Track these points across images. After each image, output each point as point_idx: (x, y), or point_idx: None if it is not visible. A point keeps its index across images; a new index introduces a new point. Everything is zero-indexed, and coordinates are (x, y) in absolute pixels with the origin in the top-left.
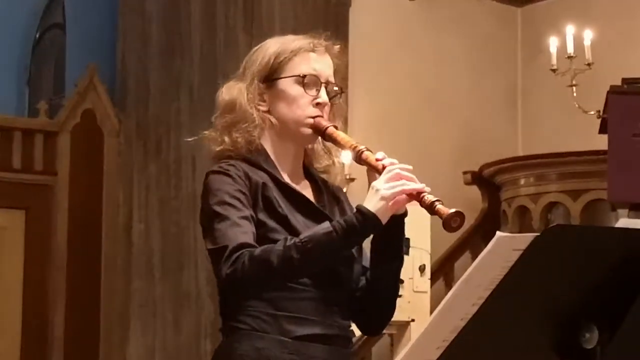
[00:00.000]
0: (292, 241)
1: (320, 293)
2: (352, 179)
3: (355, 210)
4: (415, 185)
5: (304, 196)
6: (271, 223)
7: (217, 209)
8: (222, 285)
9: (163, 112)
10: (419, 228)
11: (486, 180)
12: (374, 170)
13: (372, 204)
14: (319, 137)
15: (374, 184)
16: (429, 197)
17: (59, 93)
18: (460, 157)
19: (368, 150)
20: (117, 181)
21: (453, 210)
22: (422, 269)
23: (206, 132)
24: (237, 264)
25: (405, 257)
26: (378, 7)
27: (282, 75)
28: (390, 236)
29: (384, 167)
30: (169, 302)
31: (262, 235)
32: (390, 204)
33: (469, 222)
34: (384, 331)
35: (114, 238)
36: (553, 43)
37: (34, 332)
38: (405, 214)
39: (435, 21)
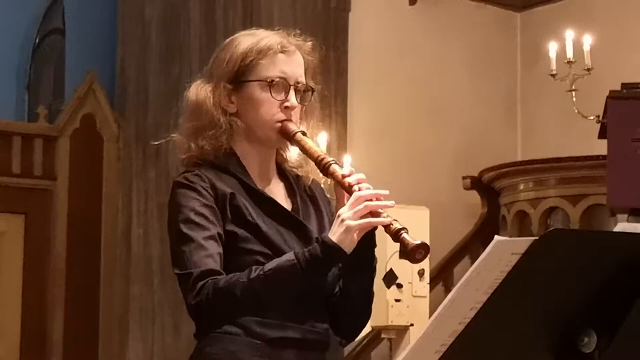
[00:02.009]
0: (256, 273)
1: (294, 298)
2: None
3: (320, 241)
4: (383, 220)
5: (274, 201)
6: (242, 233)
7: (183, 228)
8: (189, 313)
9: (162, 118)
10: (417, 233)
11: (486, 185)
12: (340, 186)
13: (337, 235)
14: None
15: (340, 212)
16: (396, 225)
17: (58, 98)
18: (459, 162)
19: (336, 163)
20: (117, 186)
21: (418, 241)
22: (421, 273)
23: (174, 135)
24: (201, 295)
25: (405, 261)
26: (378, 12)
27: (249, 79)
28: (358, 251)
29: (349, 185)
30: (168, 307)
31: (234, 246)
32: (355, 234)
33: (468, 228)
34: (383, 335)
35: (113, 243)
36: (552, 48)
37: (33, 336)
38: (375, 227)
39: (435, 26)
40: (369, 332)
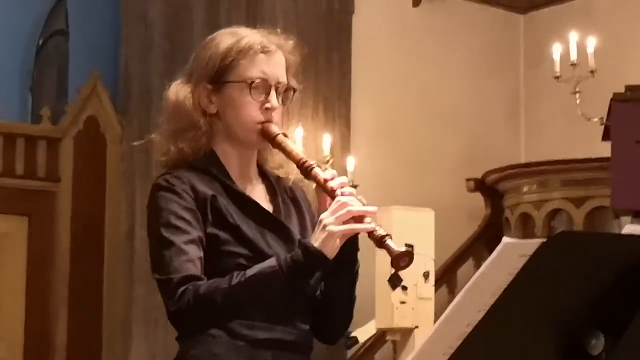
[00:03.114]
0: (238, 279)
1: (277, 300)
2: (355, 186)
3: (302, 246)
4: (366, 226)
5: (255, 203)
6: (223, 235)
7: (163, 232)
8: (170, 320)
9: None
10: (423, 235)
11: (489, 187)
12: (323, 190)
13: (319, 240)
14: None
15: (322, 217)
16: (379, 232)
17: (61, 99)
18: (463, 164)
19: (318, 166)
20: (120, 188)
21: (403, 249)
22: (426, 275)
23: (153, 135)
24: (181, 302)
25: None
26: (381, 14)
27: (229, 79)
28: (340, 256)
29: (332, 189)
30: None
31: (215, 248)
32: (338, 240)
33: (472, 230)
34: (388, 337)
35: (117, 244)
36: (556, 50)
37: (37, 338)
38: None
39: (438, 28)
40: (374, 334)
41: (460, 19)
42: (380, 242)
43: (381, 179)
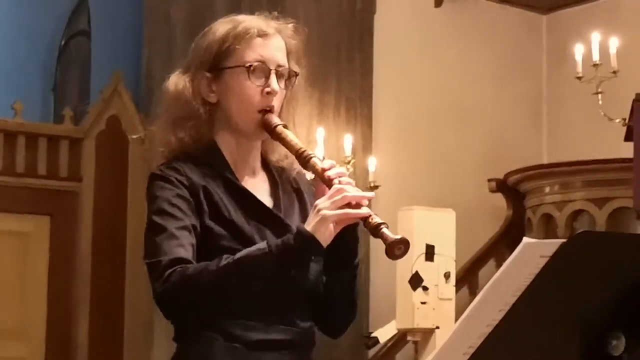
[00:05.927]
0: (226, 261)
1: (275, 296)
2: (376, 187)
3: (295, 230)
4: (360, 211)
5: (253, 197)
6: (218, 229)
7: (156, 218)
8: (156, 303)
9: None
10: (444, 235)
11: (511, 188)
12: (320, 180)
13: (311, 225)
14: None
15: (317, 202)
16: (375, 220)
17: (84, 100)
18: (485, 164)
19: (316, 157)
20: (142, 188)
21: (399, 236)
22: (447, 276)
23: (153, 127)
24: (168, 283)
25: (430, 264)
26: (403, 14)
27: (228, 65)
28: (337, 247)
29: (329, 179)
30: None
31: (210, 243)
32: (332, 226)
33: (493, 230)
34: (408, 338)
35: (139, 244)
36: (578, 50)
37: (58, 338)
38: (357, 224)
39: (460, 28)
40: (395, 335)
41: (482, 19)
42: (375, 229)
43: (403, 179)
